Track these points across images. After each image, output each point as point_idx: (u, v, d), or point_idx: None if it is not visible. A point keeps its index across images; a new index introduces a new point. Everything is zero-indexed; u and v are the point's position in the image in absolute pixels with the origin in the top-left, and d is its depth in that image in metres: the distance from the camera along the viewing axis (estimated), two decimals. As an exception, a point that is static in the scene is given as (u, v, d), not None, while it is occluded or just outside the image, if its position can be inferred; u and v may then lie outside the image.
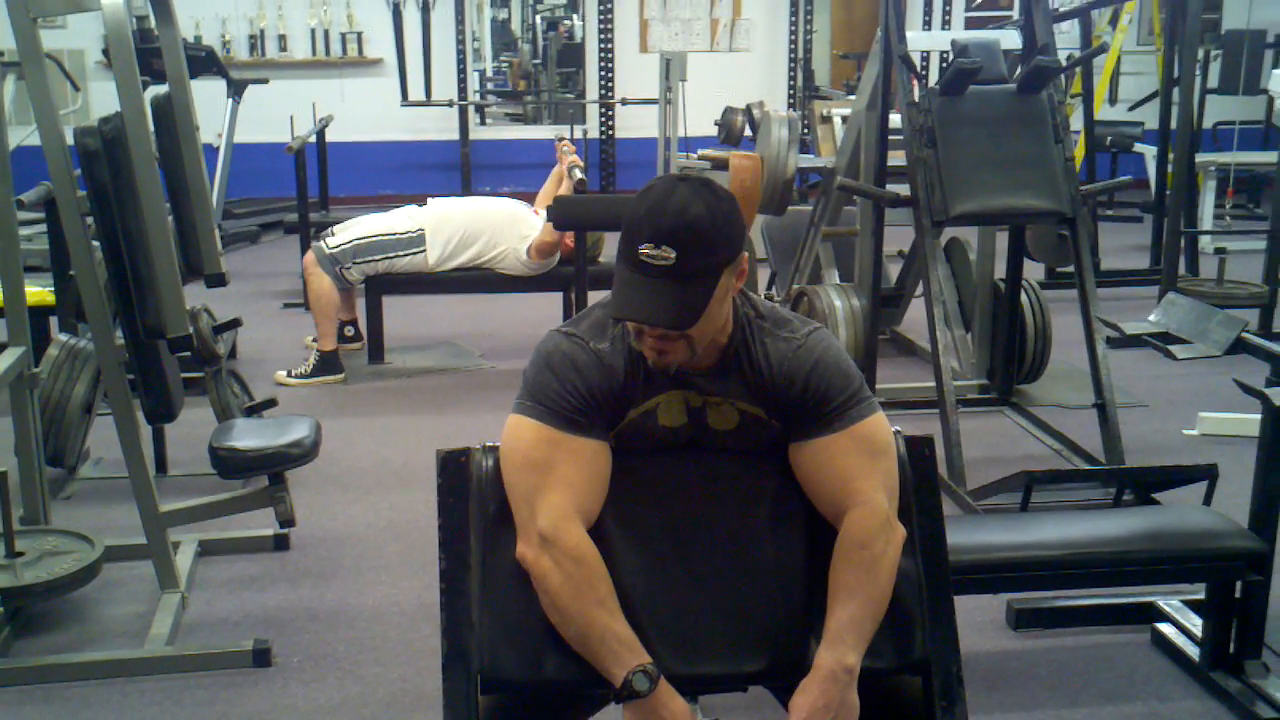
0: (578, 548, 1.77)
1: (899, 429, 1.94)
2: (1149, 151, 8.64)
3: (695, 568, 1.86)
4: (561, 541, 1.77)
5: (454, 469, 1.89)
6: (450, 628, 1.83)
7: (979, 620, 3.24)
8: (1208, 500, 3.24)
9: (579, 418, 1.82)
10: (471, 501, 1.87)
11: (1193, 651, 3.02)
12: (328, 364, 5.58)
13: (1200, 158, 7.75)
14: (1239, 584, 2.89)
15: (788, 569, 1.86)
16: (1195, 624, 3.07)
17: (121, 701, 2.97)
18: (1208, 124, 9.56)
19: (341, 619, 3.37)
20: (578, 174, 5.48)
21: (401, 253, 5.55)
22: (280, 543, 3.79)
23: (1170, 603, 3.20)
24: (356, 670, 3.10)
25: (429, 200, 5.83)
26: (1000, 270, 5.10)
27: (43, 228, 5.55)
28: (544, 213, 5.48)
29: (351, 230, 5.62)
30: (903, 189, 4.51)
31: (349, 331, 6.01)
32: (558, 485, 1.79)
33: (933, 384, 4.31)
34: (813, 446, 1.86)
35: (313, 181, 7.47)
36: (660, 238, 1.74)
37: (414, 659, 3.11)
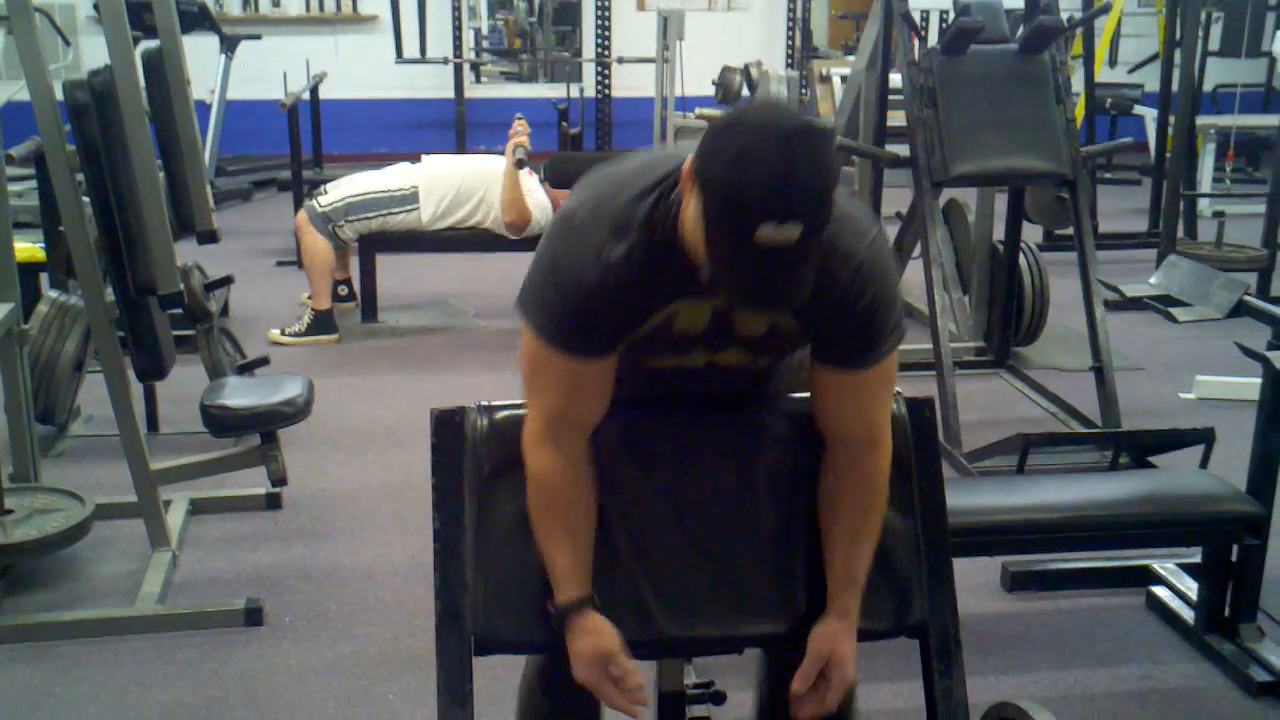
0: (541, 472, 1.74)
1: (899, 390, 1.91)
2: (1149, 114, 8.58)
3: (693, 530, 1.83)
4: (530, 462, 1.75)
5: (448, 428, 1.86)
6: (444, 588, 1.81)
7: (974, 583, 3.23)
8: (1204, 464, 3.22)
9: (575, 339, 1.67)
10: (466, 461, 1.84)
11: (1187, 615, 3.02)
12: (321, 323, 5.55)
13: (1200, 120, 7.70)
14: (1235, 547, 2.88)
15: (786, 532, 1.84)
16: (1190, 587, 3.07)
17: (112, 660, 2.95)
18: (1208, 87, 9.49)
19: (334, 578, 3.35)
20: (520, 154, 5.42)
21: (395, 210, 5.50)
22: (272, 501, 3.77)
23: (1165, 566, 3.20)
24: (349, 629, 3.09)
25: (423, 158, 5.78)
26: (999, 232, 5.07)
27: (33, 183, 5.51)
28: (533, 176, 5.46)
29: (344, 188, 5.57)
30: (902, 149, 4.47)
31: (343, 290, 5.96)
32: (539, 402, 1.74)
33: (930, 346, 4.28)
34: (842, 377, 1.72)
35: (306, 139, 7.40)
36: (788, 214, 1.43)
37: (406, 619, 3.10)
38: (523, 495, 1.81)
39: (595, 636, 1.74)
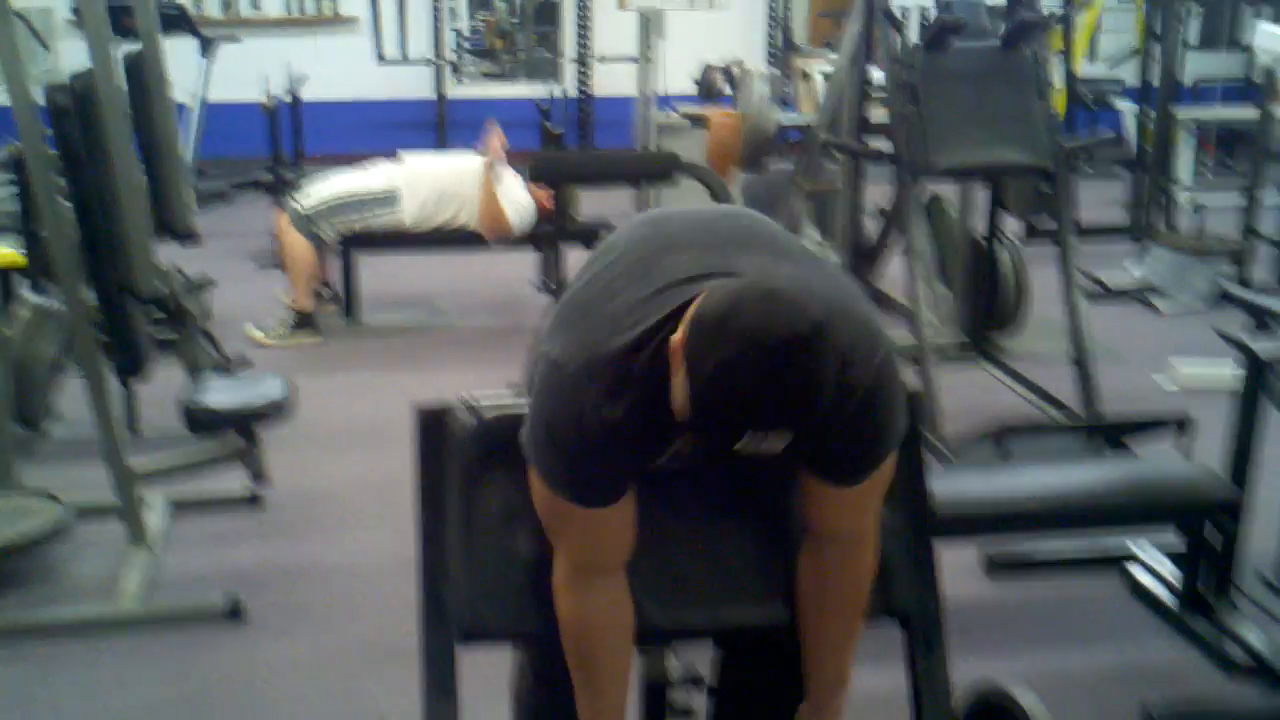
0: (573, 619, 1.71)
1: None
2: (1128, 108, 8.61)
3: (681, 521, 1.83)
4: (561, 607, 1.72)
5: (433, 425, 1.86)
6: (429, 581, 1.81)
7: (954, 568, 3.18)
8: (1183, 450, 3.24)
9: (585, 492, 1.61)
10: (450, 456, 1.84)
11: (1166, 596, 3.05)
12: (303, 323, 5.54)
13: (1179, 113, 7.73)
14: (1212, 530, 2.89)
15: (774, 524, 1.84)
16: (1168, 570, 3.10)
17: (93, 659, 2.94)
18: (1187, 81, 9.53)
19: (315, 575, 3.35)
20: (497, 170, 5.45)
21: (377, 211, 5.49)
22: (253, 501, 3.76)
23: (1144, 549, 3.22)
24: (331, 625, 3.08)
25: (403, 157, 5.77)
26: (980, 225, 5.08)
27: (12, 188, 5.48)
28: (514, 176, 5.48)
29: (325, 189, 5.56)
30: (884, 145, 4.49)
31: (324, 291, 5.95)
32: (562, 548, 1.71)
33: (911, 338, 4.30)
34: (838, 490, 1.64)
35: (286, 140, 7.39)
36: (772, 428, 1.36)
37: (389, 614, 3.09)
38: (508, 489, 1.81)
39: None
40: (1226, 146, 9.43)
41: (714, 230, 1.64)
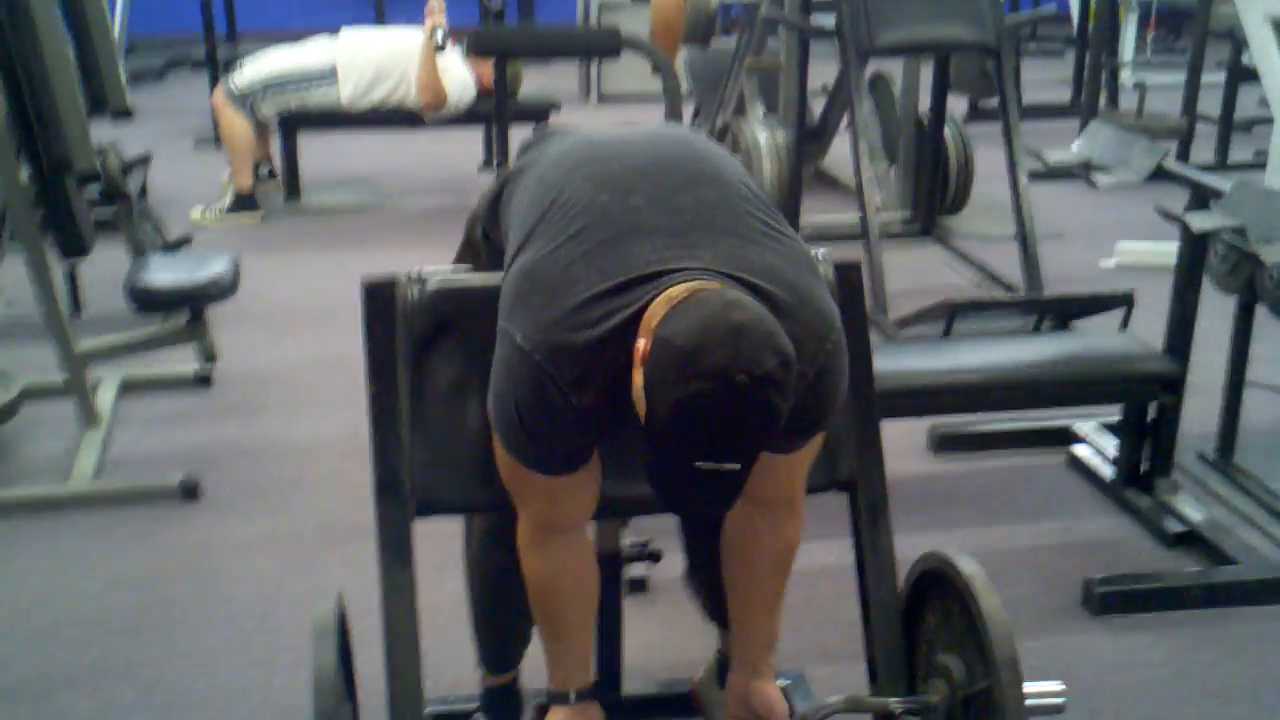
0: (537, 575, 1.74)
1: (826, 251, 1.94)
2: (1072, -15, 8.58)
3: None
4: (525, 564, 1.74)
5: (379, 297, 1.86)
6: (381, 454, 1.82)
7: (901, 446, 3.30)
8: (1124, 327, 3.30)
9: (551, 464, 1.63)
10: (398, 328, 1.85)
11: (1107, 472, 3.13)
12: (244, 202, 5.46)
13: (1123, -9, 7.72)
14: (1152, 405, 2.97)
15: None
16: (1110, 446, 3.17)
17: (50, 536, 2.95)
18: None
19: (270, 454, 3.36)
20: (439, 36, 5.33)
21: (313, 87, 5.39)
22: (203, 380, 3.76)
23: (1086, 426, 3.30)
24: (287, 503, 3.11)
25: (342, 31, 5.64)
26: (924, 105, 5.08)
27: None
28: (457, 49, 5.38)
29: (261, 65, 5.45)
30: (828, 21, 4.45)
31: (264, 170, 5.87)
32: (525, 510, 1.72)
33: (857, 217, 4.32)
34: (770, 459, 1.61)
35: (219, 15, 7.19)
36: (726, 459, 1.41)
37: (344, 491, 3.12)
38: (458, 361, 1.83)
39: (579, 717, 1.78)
40: (1170, 25, 9.43)
41: (678, 207, 1.60)
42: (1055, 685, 1.79)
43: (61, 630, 2.59)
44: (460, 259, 2.11)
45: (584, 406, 1.52)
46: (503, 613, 2.04)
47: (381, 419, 1.83)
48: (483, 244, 2.01)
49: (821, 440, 1.75)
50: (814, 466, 1.87)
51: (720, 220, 1.60)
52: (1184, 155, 5.98)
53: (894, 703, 1.83)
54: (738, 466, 1.42)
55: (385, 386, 1.84)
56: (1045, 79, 8.39)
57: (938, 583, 1.83)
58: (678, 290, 1.47)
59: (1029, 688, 1.70)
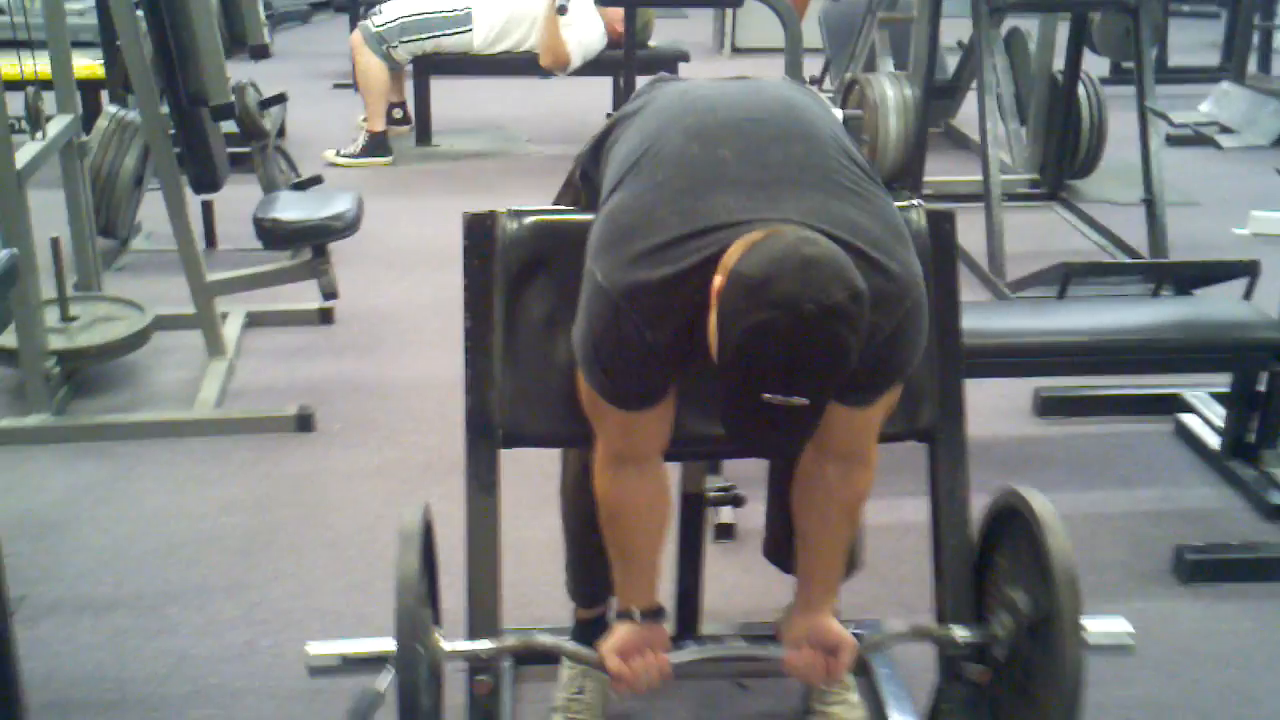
0: (606, 500, 1.79)
1: (919, 201, 1.94)
2: (1230, -57, 8.26)
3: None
4: (598, 487, 1.79)
5: (479, 231, 1.92)
6: (474, 384, 1.89)
7: (1003, 407, 3.28)
8: (1248, 296, 3.21)
9: (628, 400, 1.68)
10: (495, 262, 1.91)
11: (1213, 441, 3.06)
12: (376, 145, 5.60)
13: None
14: (1264, 376, 2.89)
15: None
16: (1218, 415, 3.10)
17: (171, 459, 3.10)
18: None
19: (382, 390, 3.47)
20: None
21: (448, 31, 5.50)
22: (324, 316, 3.89)
23: (1195, 394, 3.23)
24: (395, 437, 3.21)
25: (475, -22, 5.73)
26: (1060, 63, 4.97)
27: (91, 2, 5.54)
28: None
29: (398, 8, 5.56)
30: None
31: (397, 113, 6.00)
32: (603, 438, 1.77)
33: (982, 177, 4.26)
34: (848, 411, 1.66)
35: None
36: (793, 392, 1.42)
37: (450, 428, 3.17)
38: (550, 297, 1.88)
39: (642, 639, 1.81)
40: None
41: (766, 161, 1.62)
42: (1121, 622, 1.79)
43: (174, 549, 2.72)
44: (560, 199, 2.16)
45: (659, 344, 1.57)
46: (594, 548, 2.09)
47: (475, 350, 1.90)
48: (581, 184, 2.05)
49: (896, 397, 1.77)
50: (894, 416, 1.89)
51: (807, 176, 1.62)
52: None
53: (959, 632, 1.84)
54: (805, 401, 1.43)
55: (480, 319, 1.90)
56: (1197, 41, 8.11)
57: (1010, 520, 1.82)
58: (757, 234, 1.50)
59: (1094, 623, 1.70)
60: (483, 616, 1.84)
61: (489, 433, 1.88)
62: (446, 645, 1.78)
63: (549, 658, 2.11)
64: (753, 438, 1.53)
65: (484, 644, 1.81)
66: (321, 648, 1.77)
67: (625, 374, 1.64)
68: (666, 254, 1.55)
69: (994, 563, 1.87)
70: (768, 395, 1.42)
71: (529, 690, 2.24)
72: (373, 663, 1.72)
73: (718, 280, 1.47)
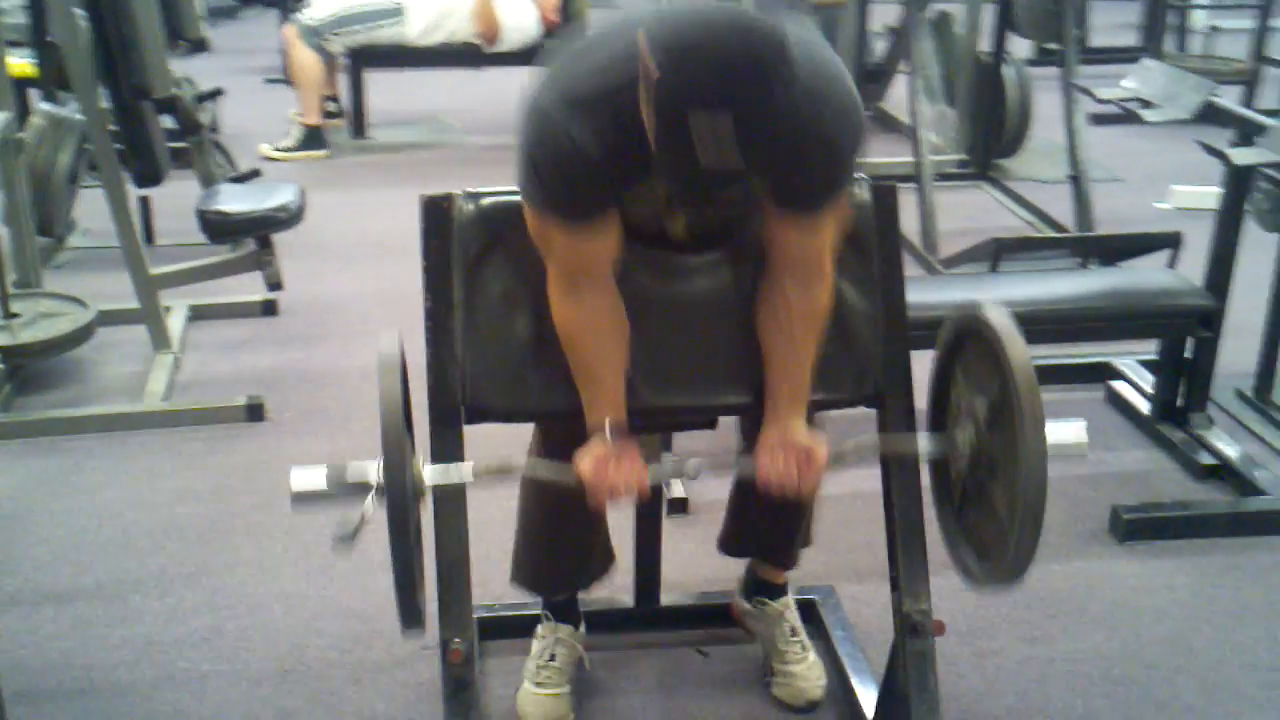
0: (563, 325, 1.83)
1: (862, 175, 2.01)
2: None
3: (673, 315, 1.94)
4: (555, 313, 1.84)
5: (436, 212, 1.96)
6: (434, 362, 1.93)
7: (943, 378, 3.36)
8: (1171, 266, 3.33)
9: (567, 208, 1.73)
10: (453, 243, 1.95)
11: (1143, 406, 3.17)
12: (312, 138, 5.59)
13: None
14: (1190, 342, 3.01)
15: (750, 319, 1.95)
16: (1147, 381, 3.21)
17: (122, 452, 3.11)
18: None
19: (330, 378, 3.49)
20: None
21: (382, 23, 5.50)
22: (269, 308, 3.90)
23: (1124, 361, 3.34)
24: (347, 425, 3.24)
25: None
26: (987, 46, 5.08)
27: (17, 1, 5.47)
28: None
29: (332, 2, 5.55)
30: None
31: (332, 107, 5.99)
32: (554, 262, 1.82)
33: (913, 158, 4.35)
34: (798, 218, 1.75)
35: (291, -47, 7.29)
36: (718, 103, 1.45)
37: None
38: (507, 275, 1.93)
39: (615, 453, 1.81)
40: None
41: None
42: (1078, 428, 1.83)
43: (133, 539, 2.74)
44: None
45: (586, 141, 1.61)
46: (556, 526, 2.14)
47: (435, 329, 1.94)
48: None
49: (843, 214, 1.82)
50: (842, 380, 1.97)
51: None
52: (1248, 100, 5.91)
53: (924, 440, 1.90)
54: (730, 118, 1.43)
55: (440, 298, 1.95)
56: (1115, 23, 8.28)
57: (968, 334, 1.87)
58: None
59: (1051, 428, 1.71)
60: (455, 596, 1.88)
61: (452, 409, 1.93)
62: (426, 473, 1.79)
63: (523, 629, 2.16)
64: (688, 170, 1.51)
65: (461, 470, 1.83)
66: (303, 477, 1.76)
67: (562, 182, 1.68)
68: (596, 60, 1.65)
69: (954, 377, 1.91)
70: (697, 112, 1.43)
71: (501, 665, 2.29)
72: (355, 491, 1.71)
73: (641, 37, 1.51)
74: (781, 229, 1.78)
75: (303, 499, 1.76)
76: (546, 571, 2.23)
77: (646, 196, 1.80)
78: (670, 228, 1.89)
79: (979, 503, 1.83)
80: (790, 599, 2.30)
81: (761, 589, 2.30)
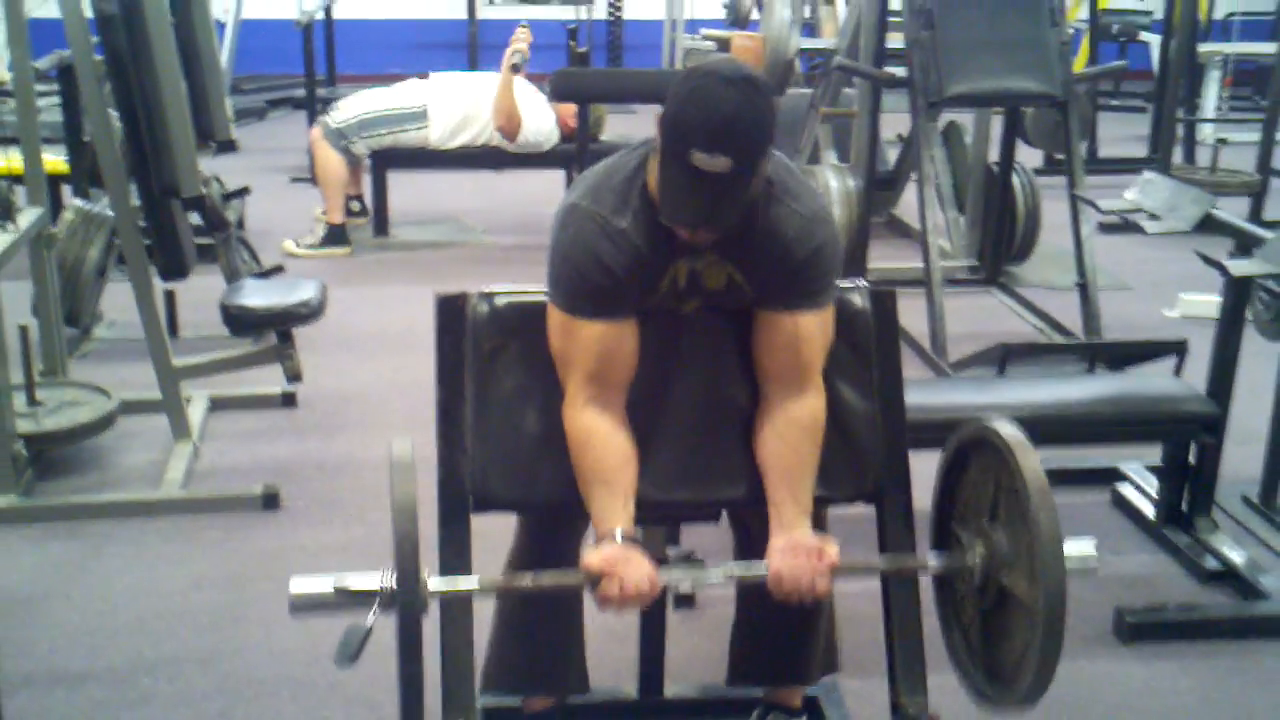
0: (580, 432, 1.90)
1: (861, 282, 2.07)
2: (1155, 41, 8.63)
3: (671, 411, 2.00)
4: (569, 425, 1.92)
5: (450, 310, 2.04)
6: (445, 454, 1.99)
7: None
8: (1177, 374, 3.38)
9: (598, 305, 1.87)
10: (466, 340, 2.02)
11: (1148, 510, 3.20)
12: (335, 236, 5.72)
13: (1205, 47, 7.74)
14: (1193, 447, 3.04)
15: (751, 413, 2.00)
16: (1152, 485, 3.25)
17: (140, 539, 3.16)
18: (1219, 14, 9.50)
19: (347, 469, 3.55)
20: (517, 59, 5.54)
21: (406, 127, 5.65)
22: (288, 400, 3.97)
23: (1130, 466, 3.38)
24: (361, 515, 3.29)
25: (431, 75, 5.90)
26: (996, 155, 5.20)
27: (54, 99, 5.64)
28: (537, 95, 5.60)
29: (356, 105, 5.71)
30: (901, 71, 4.59)
31: (355, 206, 6.12)
32: (573, 372, 1.91)
33: (923, 264, 4.43)
34: (784, 319, 1.90)
35: (320, 58, 7.51)
36: (714, 146, 1.71)
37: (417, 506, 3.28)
38: (517, 370, 2.00)
39: (625, 554, 1.84)
40: (1255, 82, 9.40)
41: None
42: (1088, 544, 1.85)
43: (146, 623, 2.78)
44: None
45: (624, 231, 1.85)
46: (538, 617, 2.15)
47: (447, 422, 2.01)
48: None
49: (829, 325, 1.96)
50: (842, 480, 2.01)
51: None
52: (1256, 212, 6.00)
53: (933, 560, 1.93)
54: (728, 162, 1.71)
55: (452, 392, 2.01)
56: (1125, 134, 8.44)
57: (977, 449, 1.89)
58: None
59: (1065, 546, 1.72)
60: (458, 682, 1.92)
61: (461, 498, 1.98)
62: (432, 583, 1.83)
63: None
64: (686, 204, 1.77)
65: (469, 581, 1.88)
66: (304, 584, 1.81)
67: (594, 274, 1.85)
68: (627, 163, 1.92)
69: (961, 493, 1.93)
70: (696, 154, 1.71)
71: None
72: (358, 600, 1.80)
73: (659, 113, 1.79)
74: (766, 333, 1.93)
75: (302, 606, 1.81)
76: (525, 666, 2.20)
77: (663, 288, 1.94)
78: (682, 309, 1.98)
79: (990, 624, 1.87)
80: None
81: (778, 710, 2.30)
